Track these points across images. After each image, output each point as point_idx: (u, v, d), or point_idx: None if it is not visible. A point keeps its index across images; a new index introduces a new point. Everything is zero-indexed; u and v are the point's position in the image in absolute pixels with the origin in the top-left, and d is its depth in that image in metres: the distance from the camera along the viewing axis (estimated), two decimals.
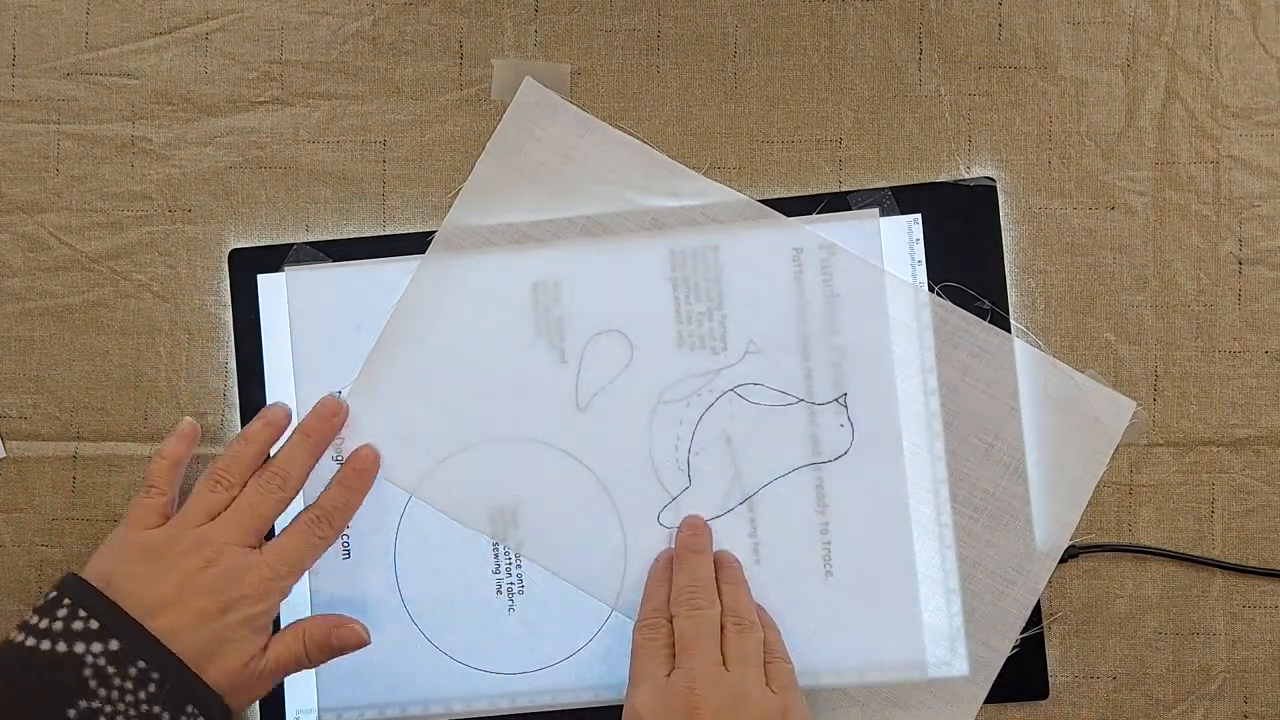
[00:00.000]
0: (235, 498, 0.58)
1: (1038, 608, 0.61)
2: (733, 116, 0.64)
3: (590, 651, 0.62)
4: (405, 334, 0.63)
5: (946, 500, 0.62)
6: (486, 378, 0.63)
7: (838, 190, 0.63)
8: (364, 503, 0.62)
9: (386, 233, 0.64)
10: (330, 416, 0.61)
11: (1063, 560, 0.61)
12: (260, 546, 0.57)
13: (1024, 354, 0.62)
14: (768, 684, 0.55)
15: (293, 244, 0.64)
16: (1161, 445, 0.62)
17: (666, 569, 0.60)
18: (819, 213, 0.63)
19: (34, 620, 0.53)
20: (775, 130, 0.64)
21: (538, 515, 0.63)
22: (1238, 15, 0.63)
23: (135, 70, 0.65)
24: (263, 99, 0.65)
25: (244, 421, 0.64)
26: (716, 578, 0.59)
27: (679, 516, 0.62)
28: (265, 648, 0.56)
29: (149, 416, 0.64)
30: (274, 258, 0.64)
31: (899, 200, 0.63)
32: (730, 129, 0.64)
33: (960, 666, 0.61)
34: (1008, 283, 0.62)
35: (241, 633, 0.55)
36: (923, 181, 0.63)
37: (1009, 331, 0.62)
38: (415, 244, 0.64)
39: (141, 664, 0.52)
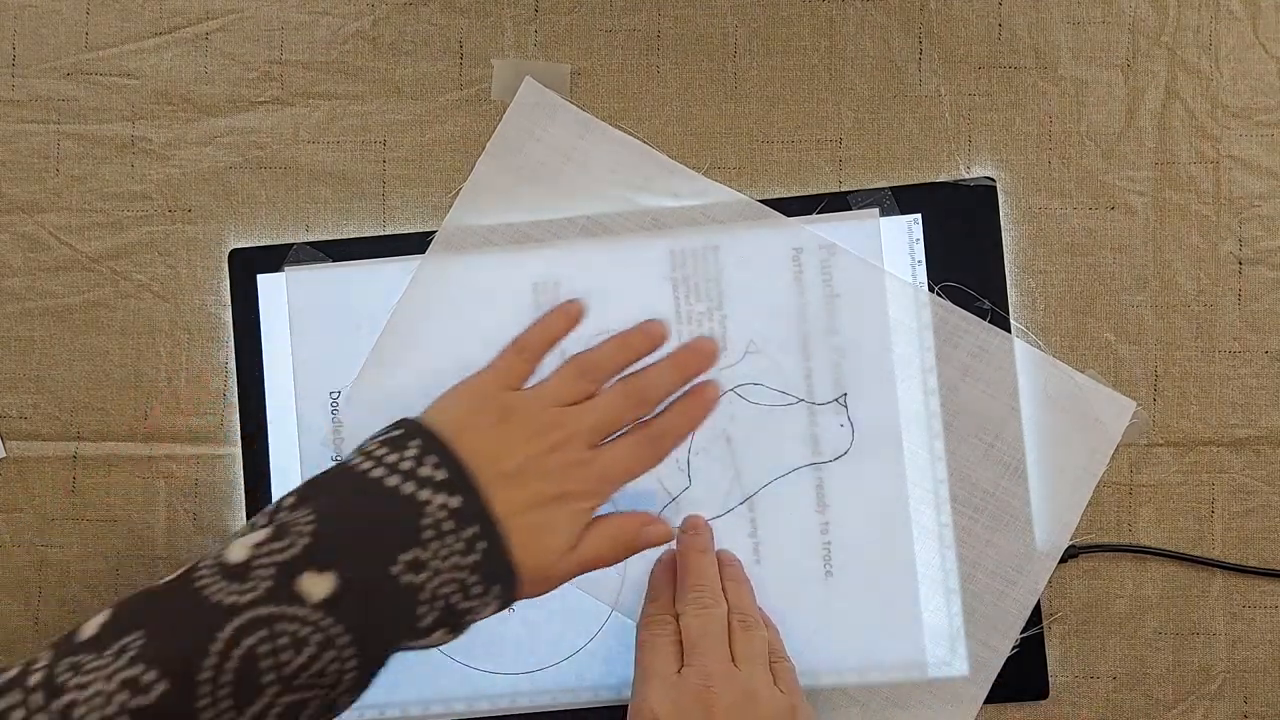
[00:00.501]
0: (592, 395, 0.57)
1: (1038, 608, 0.61)
2: (733, 116, 0.64)
3: (590, 652, 0.62)
4: (405, 334, 0.63)
5: (946, 500, 0.62)
6: None
7: (838, 190, 0.63)
8: None
9: (386, 233, 0.64)
10: (706, 355, 0.58)
11: (1063, 560, 0.61)
12: (593, 446, 0.56)
13: (1024, 354, 0.62)
14: (775, 683, 0.55)
15: (293, 244, 0.64)
16: (1161, 445, 0.62)
17: (670, 568, 0.60)
18: (819, 213, 0.63)
19: (380, 452, 0.51)
20: (775, 130, 0.64)
21: None
22: (1238, 15, 0.63)
23: (135, 70, 0.65)
24: (263, 99, 0.65)
25: (244, 421, 0.64)
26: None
27: (679, 517, 0.62)
28: (575, 545, 0.55)
29: (149, 416, 0.65)
30: (274, 258, 0.64)
31: (899, 200, 0.63)
32: (730, 129, 0.64)
33: (960, 666, 0.61)
34: (1008, 283, 0.62)
35: (565, 525, 0.54)
36: (923, 181, 0.63)
37: (1009, 331, 0.62)
38: (415, 244, 0.64)
39: (475, 529, 0.50)
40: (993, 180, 0.63)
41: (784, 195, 0.63)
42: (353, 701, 0.49)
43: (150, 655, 0.44)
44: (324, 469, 0.52)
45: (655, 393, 0.57)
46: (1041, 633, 0.61)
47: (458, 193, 0.64)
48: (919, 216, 0.63)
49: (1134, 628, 0.62)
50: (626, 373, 0.57)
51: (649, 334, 0.58)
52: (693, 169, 0.63)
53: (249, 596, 0.46)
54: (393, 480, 0.50)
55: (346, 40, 0.65)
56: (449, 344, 0.63)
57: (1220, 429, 0.62)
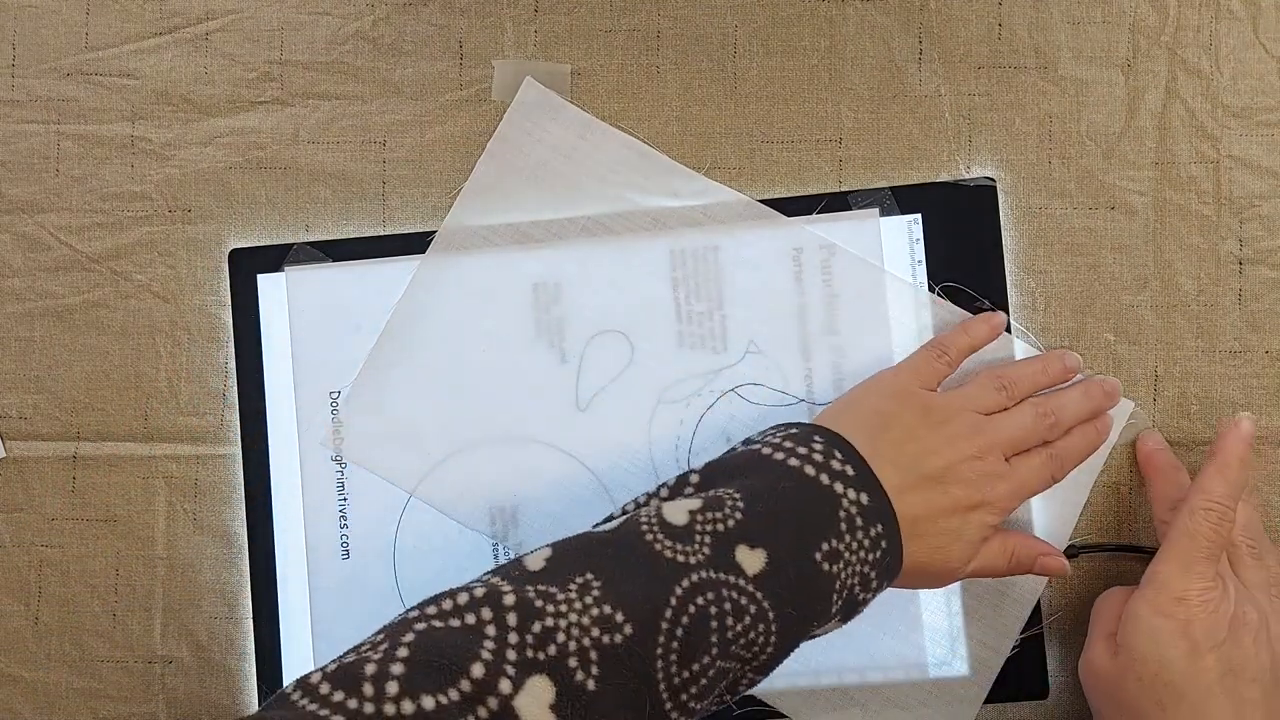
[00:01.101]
0: (1009, 410, 0.57)
1: (1038, 607, 0.61)
2: (733, 116, 0.64)
3: None
4: (405, 334, 0.63)
5: None
6: (486, 378, 0.63)
7: (838, 190, 0.63)
8: (363, 503, 0.62)
9: (386, 233, 0.64)
10: (1112, 395, 0.60)
11: None
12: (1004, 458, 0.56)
13: (1024, 354, 0.62)
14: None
15: (293, 244, 0.64)
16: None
17: (1248, 445, 0.57)
18: (819, 213, 0.63)
19: (788, 444, 0.52)
20: (775, 130, 0.64)
21: (538, 515, 0.63)
22: (1238, 15, 0.63)
23: (135, 70, 0.65)
24: (263, 99, 0.65)
25: (244, 421, 0.64)
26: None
27: None
28: (974, 556, 0.55)
29: (149, 416, 0.65)
30: (274, 258, 0.64)
31: (899, 200, 0.63)
32: (730, 129, 0.64)
33: (960, 666, 0.61)
34: (1008, 283, 0.62)
35: (973, 534, 0.54)
36: (923, 181, 0.63)
37: (1009, 332, 0.62)
38: (415, 244, 0.64)
39: (880, 527, 0.51)
40: (993, 180, 0.63)
41: (784, 195, 0.63)
42: (758, 682, 0.50)
43: (616, 597, 0.46)
44: (722, 454, 0.54)
45: (1066, 417, 0.58)
46: (1041, 633, 0.61)
47: (458, 193, 0.64)
48: (919, 216, 0.63)
49: None
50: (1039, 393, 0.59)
51: (1065, 364, 0.60)
52: (693, 169, 0.63)
53: (696, 558, 0.47)
54: (810, 469, 0.51)
55: (346, 40, 0.65)
56: (449, 344, 0.63)
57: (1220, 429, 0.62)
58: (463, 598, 0.45)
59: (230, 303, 0.64)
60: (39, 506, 0.65)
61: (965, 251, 0.62)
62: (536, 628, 0.44)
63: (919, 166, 0.63)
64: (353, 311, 0.64)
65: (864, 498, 0.51)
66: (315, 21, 0.65)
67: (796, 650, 0.60)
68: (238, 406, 0.64)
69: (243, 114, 0.65)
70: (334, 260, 0.64)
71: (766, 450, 0.52)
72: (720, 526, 0.48)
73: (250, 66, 0.65)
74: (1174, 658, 0.52)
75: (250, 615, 0.64)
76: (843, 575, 0.50)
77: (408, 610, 0.46)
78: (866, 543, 0.50)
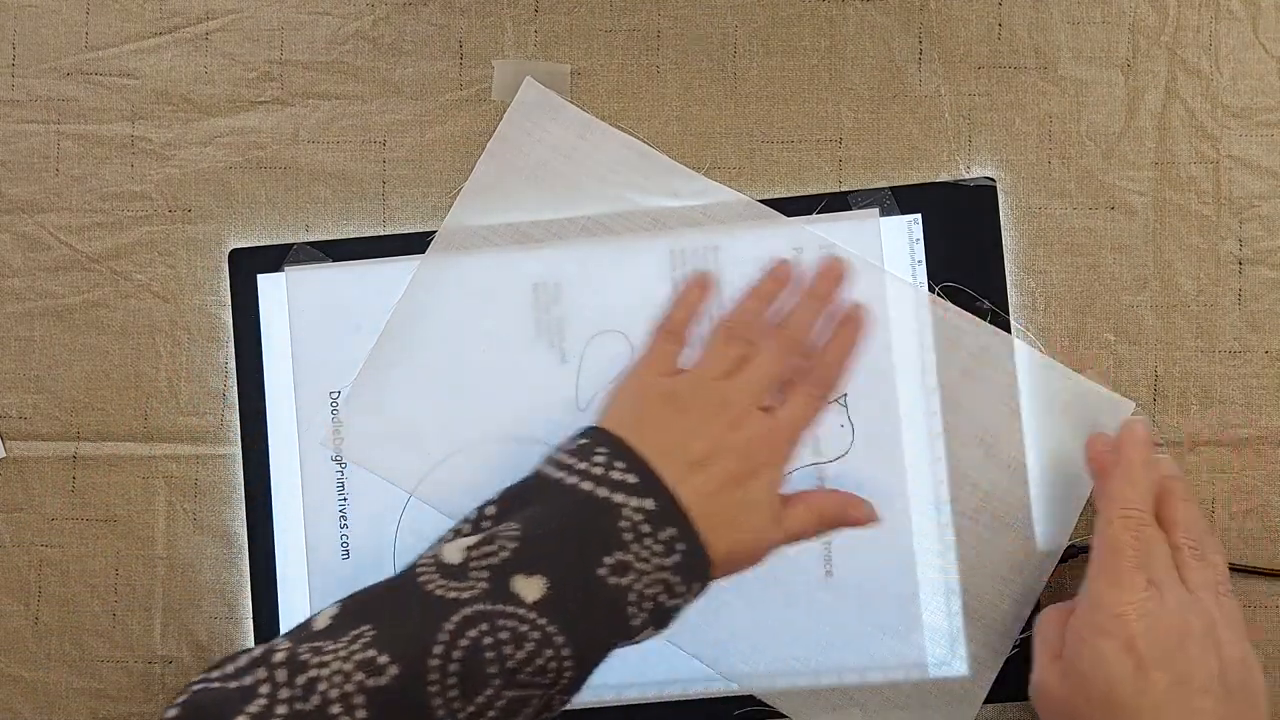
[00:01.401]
0: (747, 356, 0.56)
1: (1038, 607, 0.61)
2: (733, 116, 0.64)
3: None
4: (405, 334, 0.63)
5: (946, 501, 0.62)
6: (486, 378, 0.63)
7: (838, 190, 0.63)
8: (363, 503, 0.62)
9: (386, 233, 0.64)
10: (838, 274, 0.59)
11: (1063, 560, 0.61)
12: (765, 408, 0.55)
13: (1024, 354, 0.62)
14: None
15: (293, 244, 0.64)
16: (1161, 445, 0.62)
17: (1147, 447, 0.56)
18: (819, 213, 0.63)
19: (570, 461, 0.52)
20: (775, 130, 0.64)
21: None
22: (1238, 15, 0.63)
23: (135, 70, 0.65)
24: (263, 99, 0.65)
25: (244, 421, 0.64)
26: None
27: None
28: (779, 518, 0.55)
29: (149, 416, 0.65)
30: (274, 258, 0.64)
31: (899, 200, 0.63)
32: (730, 129, 0.64)
33: (960, 666, 0.61)
34: (1008, 283, 0.62)
35: (764, 499, 0.54)
36: (923, 181, 0.63)
37: (1009, 332, 0.62)
38: (415, 244, 0.64)
39: (672, 530, 0.50)
40: (993, 180, 0.63)
41: (784, 195, 0.63)
42: (568, 701, 0.50)
43: (383, 642, 0.46)
44: (519, 479, 0.53)
45: (807, 332, 0.57)
46: None
47: (458, 193, 0.64)
48: (919, 216, 0.63)
49: None
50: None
51: (777, 276, 0.59)
52: (693, 169, 0.63)
53: (469, 593, 0.48)
54: (587, 485, 0.50)
55: (346, 40, 0.65)
56: (449, 344, 0.63)
57: (1220, 429, 0.62)
58: (243, 659, 0.47)
59: (230, 303, 0.64)
60: (39, 506, 0.65)
61: (965, 251, 0.62)
62: (302, 680, 0.45)
63: (919, 166, 0.63)
64: (353, 311, 0.64)
65: (649, 504, 0.50)
66: (315, 21, 0.65)
67: (796, 651, 0.60)
68: (238, 406, 0.64)
69: (243, 114, 0.65)
70: (334, 260, 0.64)
71: (548, 470, 0.52)
72: (495, 560, 0.48)
73: (250, 66, 0.65)
74: (1121, 676, 0.51)
75: (250, 615, 0.64)
76: (637, 586, 0.49)
77: (197, 677, 0.47)
78: (659, 548, 0.50)
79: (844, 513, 0.57)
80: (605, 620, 0.49)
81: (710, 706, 0.62)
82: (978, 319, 0.62)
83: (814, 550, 0.62)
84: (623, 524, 0.49)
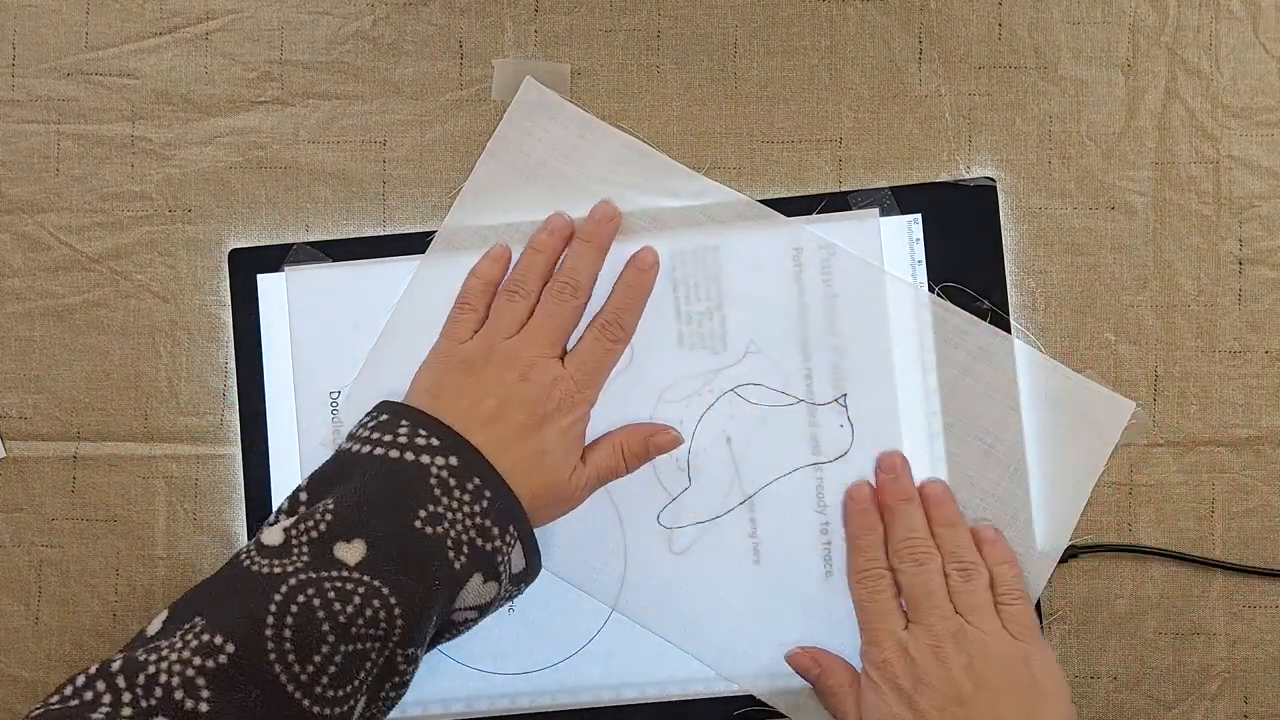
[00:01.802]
0: (533, 308, 0.59)
1: (1038, 607, 0.61)
2: (733, 116, 0.64)
3: (590, 652, 0.62)
4: (405, 334, 0.63)
5: None
6: None
7: (838, 190, 0.63)
8: None
9: (386, 233, 0.64)
10: (607, 220, 0.61)
11: (1063, 560, 0.61)
12: (562, 358, 0.58)
13: (1024, 354, 0.62)
14: (1004, 628, 0.56)
15: (293, 244, 0.64)
16: (1161, 445, 0.62)
17: (869, 515, 0.60)
18: (819, 213, 0.63)
19: (375, 435, 0.54)
20: (775, 130, 0.64)
21: None
22: (1238, 15, 0.63)
23: (135, 70, 0.65)
24: (263, 99, 0.65)
25: (244, 421, 0.64)
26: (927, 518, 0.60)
27: (679, 517, 0.62)
28: (583, 459, 0.58)
29: (149, 416, 0.65)
30: (274, 258, 0.64)
31: (899, 200, 0.63)
32: (730, 129, 0.64)
33: None
34: (1008, 283, 0.62)
35: (559, 444, 0.57)
36: (923, 181, 0.63)
37: (1009, 332, 0.62)
38: (415, 244, 0.64)
39: (477, 480, 0.53)
40: (993, 180, 0.63)
41: (784, 195, 0.63)
42: (416, 656, 0.52)
43: (216, 625, 0.48)
44: (321, 463, 0.55)
45: (581, 275, 0.60)
46: (1041, 633, 0.61)
47: (458, 193, 0.64)
48: (919, 216, 0.63)
49: (1134, 628, 0.62)
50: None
51: (554, 229, 0.61)
52: (693, 169, 0.63)
53: (293, 566, 0.50)
54: (394, 453, 0.53)
55: (346, 40, 0.65)
56: None
57: (1220, 429, 0.62)
58: (80, 679, 0.47)
59: (230, 303, 0.64)
60: (39, 506, 0.65)
61: (965, 251, 0.62)
62: (141, 679, 0.47)
63: (919, 166, 0.63)
64: (353, 311, 0.64)
65: (453, 460, 0.53)
66: (315, 21, 0.65)
67: (793, 651, 0.60)
68: (238, 406, 0.64)
69: (243, 114, 0.65)
70: (334, 260, 0.64)
71: (356, 447, 0.54)
72: (314, 533, 0.51)
73: (250, 66, 0.65)
74: (899, 715, 0.55)
75: None
76: (452, 532, 0.52)
77: (34, 707, 0.47)
78: (467, 497, 0.53)
79: (646, 442, 0.60)
80: (426, 567, 0.51)
81: (710, 706, 0.62)
82: (978, 319, 0.62)
83: (814, 549, 0.62)
84: (432, 480, 0.53)
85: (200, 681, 0.46)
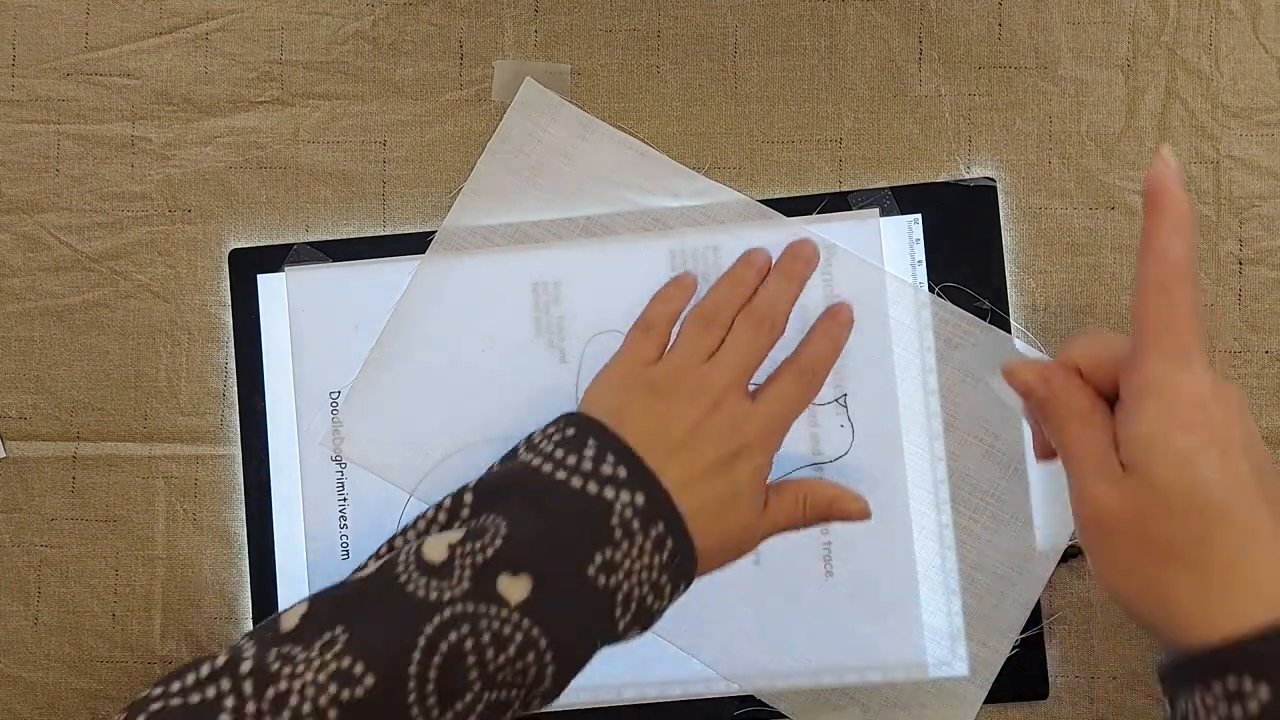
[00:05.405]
0: (723, 340, 0.56)
1: (1038, 607, 0.61)
2: (733, 116, 0.64)
3: None
4: (405, 334, 0.63)
5: (946, 501, 0.62)
6: (486, 378, 0.63)
7: (838, 190, 0.63)
8: (363, 503, 0.62)
9: (386, 233, 0.64)
10: (808, 256, 0.59)
11: (1063, 560, 0.61)
12: (748, 393, 0.55)
13: (1024, 354, 0.62)
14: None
15: (293, 244, 0.64)
16: None
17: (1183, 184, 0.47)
18: (819, 213, 0.63)
19: (559, 454, 0.50)
20: (775, 130, 0.64)
21: None
22: (1238, 15, 0.63)
23: (135, 70, 0.65)
24: (263, 99, 0.65)
25: (244, 421, 0.64)
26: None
27: None
28: (765, 504, 0.54)
29: (149, 416, 0.65)
30: (274, 258, 0.64)
31: (899, 200, 0.63)
32: (730, 129, 0.64)
33: (960, 667, 0.61)
34: (1008, 283, 0.62)
35: (748, 485, 0.52)
36: (923, 181, 0.63)
37: (1009, 331, 0.62)
38: (415, 244, 0.64)
39: (661, 526, 0.49)
40: (993, 180, 0.63)
41: (784, 195, 0.63)
42: (550, 701, 0.49)
43: (358, 648, 0.44)
44: (497, 468, 0.52)
45: (776, 310, 0.57)
46: (1041, 633, 0.61)
47: (458, 193, 0.64)
48: (919, 216, 0.63)
49: (1134, 628, 0.62)
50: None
51: (751, 263, 0.59)
52: (693, 169, 0.63)
53: (450, 594, 0.46)
54: (577, 481, 0.49)
55: (346, 40, 0.65)
56: (449, 344, 0.63)
57: None
58: (205, 669, 0.44)
59: (230, 303, 0.64)
60: (39, 506, 0.65)
61: (965, 251, 0.62)
62: (271, 693, 0.43)
63: (919, 166, 0.63)
64: (353, 311, 0.64)
65: (639, 498, 0.49)
66: (315, 21, 0.65)
67: (796, 651, 0.60)
68: (238, 406, 0.64)
69: (243, 114, 0.65)
70: (334, 260, 0.64)
71: (536, 462, 0.50)
72: (480, 558, 0.47)
73: (250, 66, 0.65)
74: (1211, 478, 0.43)
75: (250, 615, 0.64)
76: (625, 586, 0.48)
77: (155, 684, 0.45)
78: (649, 545, 0.49)
79: (833, 506, 0.56)
80: (590, 621, 0.48)
81: (710, 706, 0.62)
82: (978, 319, 0.62)
83: (814, 550, 0.62)
84: (613, 520, 0.48)
85: (332, 714, 0.43)
